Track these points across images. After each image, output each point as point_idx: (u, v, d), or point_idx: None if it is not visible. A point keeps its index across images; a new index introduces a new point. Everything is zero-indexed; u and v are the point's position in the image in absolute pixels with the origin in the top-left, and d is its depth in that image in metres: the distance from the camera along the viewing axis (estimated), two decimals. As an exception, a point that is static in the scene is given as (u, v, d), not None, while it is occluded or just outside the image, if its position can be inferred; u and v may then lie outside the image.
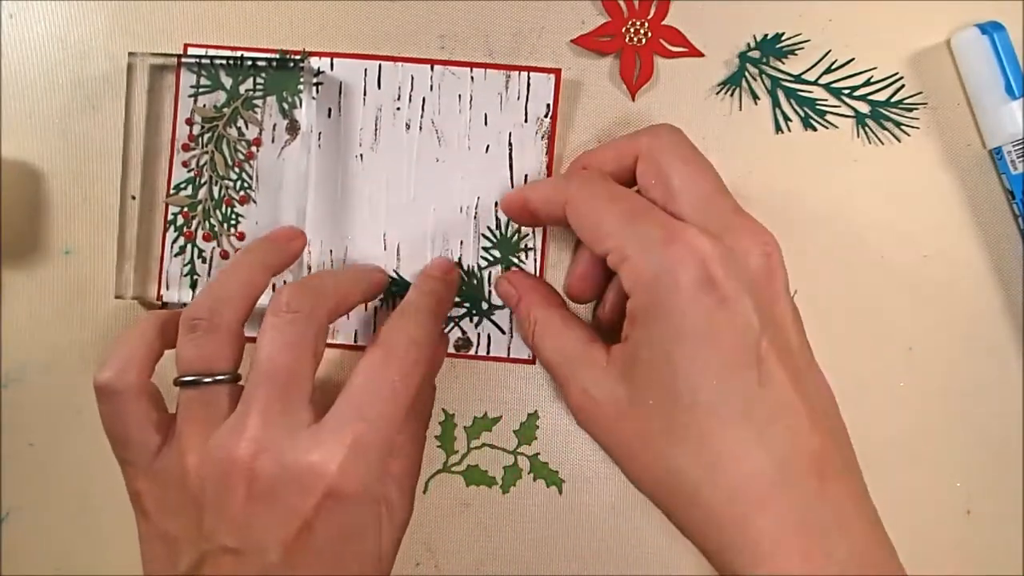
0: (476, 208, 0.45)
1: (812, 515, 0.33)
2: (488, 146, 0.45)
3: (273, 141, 0.45)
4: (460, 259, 0.45)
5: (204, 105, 0.45)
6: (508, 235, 0.45)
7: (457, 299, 0.45)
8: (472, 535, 0.46)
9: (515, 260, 0.45)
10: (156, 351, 0.39)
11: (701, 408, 0.33)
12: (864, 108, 0.45)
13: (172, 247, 0.45)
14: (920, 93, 0.45)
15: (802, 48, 0.45)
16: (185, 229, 0.45)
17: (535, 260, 0.45)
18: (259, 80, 0.45)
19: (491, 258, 0.45)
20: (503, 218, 0.45)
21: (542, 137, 0.44)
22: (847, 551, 0.32)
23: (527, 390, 0.46)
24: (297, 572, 0.35)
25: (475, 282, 0.45)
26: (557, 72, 0.44)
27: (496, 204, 0.45)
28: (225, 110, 0.45)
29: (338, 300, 0.39)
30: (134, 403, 0.38)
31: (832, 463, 0.34)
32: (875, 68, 0.45)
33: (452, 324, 0.45)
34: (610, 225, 0.36)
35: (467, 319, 0.45)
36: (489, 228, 0.45)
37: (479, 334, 0.45)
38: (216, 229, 0.45)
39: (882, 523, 0.35)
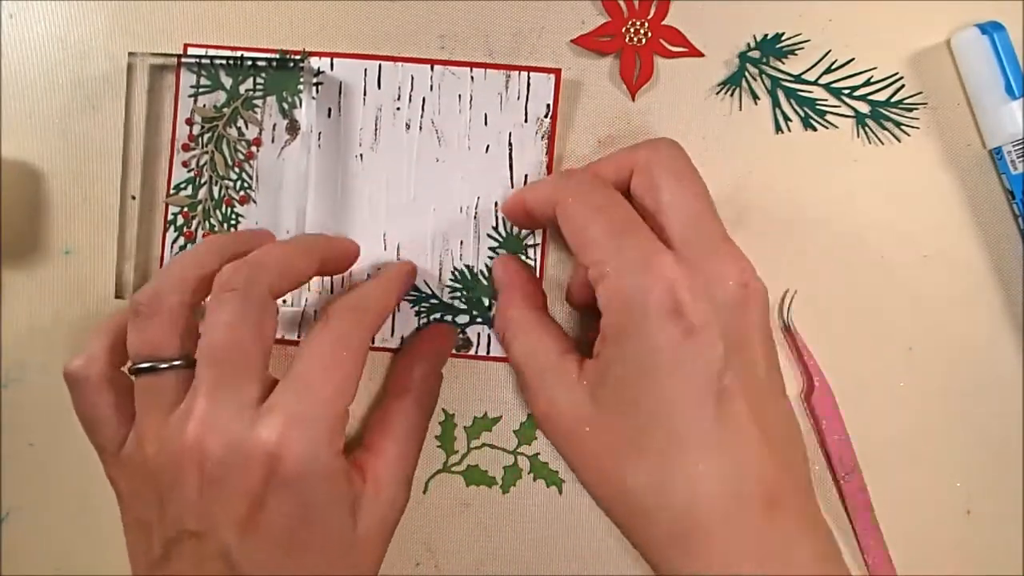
0: (476, 208, 0.45)
1: (760, 543, 0.33)
2: (488, 146, 0.45)
3: (273, 141, 0.45)
4: (460, 259, 0.45)
5: (204, 105, 0.45)
6: (514, 233, 0.45)
7: (465, 305, 0.45)
8: (472, 535, 0.46)
9: (522, 257, 0.45)
10: (124, 341, 0.38)
11: (661, 433, 0.34)
12: (864, 108, 0.45)
13: (172, 247, 0.45)
14: (920, 93, 0.45)
15: (802, 48, 0.45)
16: (185, 229, 0.45)
17: (535, 259, 0.45)
18: (259, 80, 0.45)
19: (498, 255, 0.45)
20: (503, 219, 0.45)
21: (542, 137, 0.44)
22: None
23: (527, 390, 0.46)
24: (255, 551, 0.34)
25: (484, 283, 0.45)
26: (557, 72, 0.44)
27: (496, 204, 0.45)
28: (225, 110, 0.45)
29: (281, 271, 0.37)
30: (98, 392, 0.38)
31: (784, 492, 0.34)
32: (875, 68, 0.45)
33: (459, 332, 0.45)
34: (595, 235, 0.36)
35: (471, 325, 0.45)
36: (494, 228, 0.45)
37: (479, 334, 0.45)
38: (216, 229, 0.45)
39: (837, 546, 0.36)
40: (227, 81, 0.45)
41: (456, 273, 0.45)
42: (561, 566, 0.45)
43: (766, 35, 0.45)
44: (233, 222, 0.45)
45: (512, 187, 0.45)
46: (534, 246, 0.45)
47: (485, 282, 0.45)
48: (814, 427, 0.45)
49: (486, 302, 0.45)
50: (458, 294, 0.45)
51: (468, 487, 0.46)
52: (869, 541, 0.44)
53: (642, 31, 0.45)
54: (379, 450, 0.40)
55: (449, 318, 0.45)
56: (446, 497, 0.46)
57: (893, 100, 0.45)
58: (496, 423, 0.46)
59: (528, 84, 0.45)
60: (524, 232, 0.45)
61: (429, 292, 0.45)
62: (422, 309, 0.45)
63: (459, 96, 0.45)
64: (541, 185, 0.41)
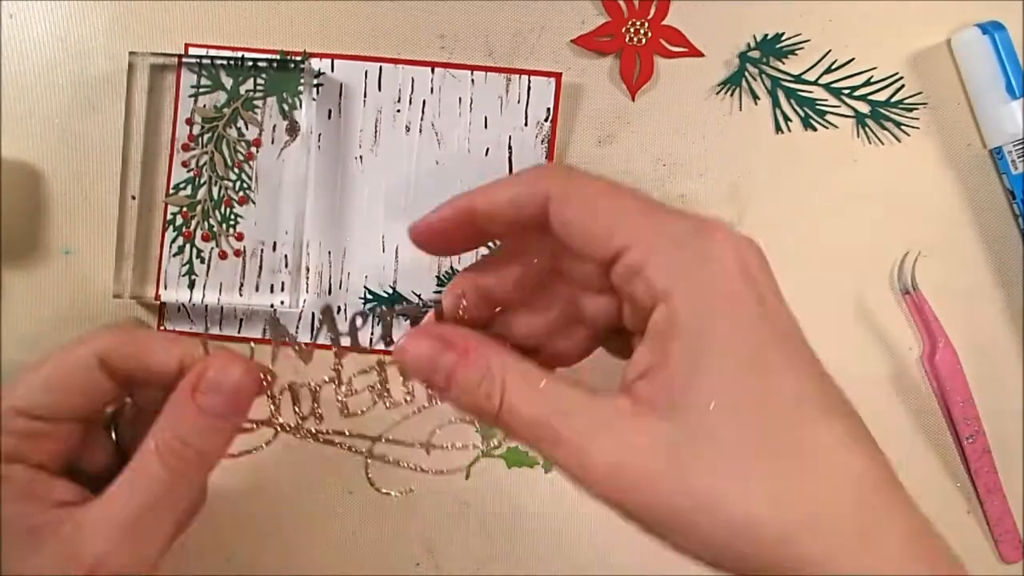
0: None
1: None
2: (488, 149, 0.45)
3: (273, 142, 0.45)
4: (458, 262, 0.45)
5: (204, 105, 0.45)
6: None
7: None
8: (472, 535, 0.46)
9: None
10: None
11: (781, 434, 0.27)
12: (864, 108, 0.45)
13: (171, 247, 0.45)
14: (920, 93, 0.45)
15: (802, 48, 0.45)
16: (184, 229, 0.45)
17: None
18: (259, 81, 0.45)
19: None
20: None
21: (542, 141, 0.44)
22: None
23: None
24: None
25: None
26: (557, 76, 0.44)
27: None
28: (225, 110, 0.45)
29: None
30: None
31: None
32: (875, 68, 0.45)
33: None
34: (627, 217, 0.29)
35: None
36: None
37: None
38: (215, 229, 0.45)
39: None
40: (227, 81, 0.45)
41: (446, 276, 0.45)
42: (562, 566, 0.46)
43: (766, 35, 0.45)
44: (232, 222, 0.45)
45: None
46: None
47: None
48: (936, 389, 0.45)
49: None
50: None
51: (510, 469, 0.46)
52: (993, 503, 0.45)
53: (642, 31, 0.45)
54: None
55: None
56: (489, 481, 0.46)
57: (893, 100, 0.45)
58: None
59: (528, 88, 0.44)
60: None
61: (421, 302, 0.45)
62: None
63: (459, 99, 0.45)
64: (501, 186, 0.32)
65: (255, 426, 0.36)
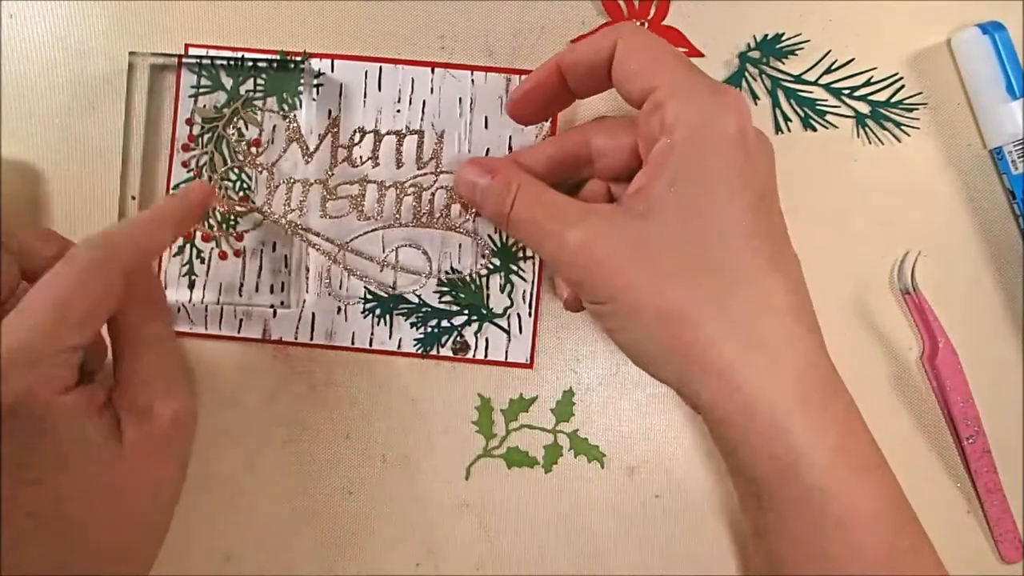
0: (474, 211, 0.45)
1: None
2: (488, 149, 0.45)
3: (273, 142, 0.45)
4: (458, 262, 0.45)
5: (204, 105, 0.45)
6: (508, 243, 0.45)
7: (457, 306, 0.45)
8: (472, 535, 0.46)
9: (515, 268, 0.45)
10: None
11: (723, 254, 0.35)
12: (864, 108, 0.45)
13: (171, 247, 0.45)
14: (920, 93, 0.45)
15: (802, 48, 0.45)
16: (185, 229, 0.45)
17: (534, 267, 0.45)
18: (259, 81, 0.45)
19: (491, 266, 0.45)
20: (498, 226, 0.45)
21: (542, 141, 0.44)
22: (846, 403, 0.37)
23: (528, 389, 0.46)
24: None
25: (474, 289, 0.45)
26: (557, 74, 0.44)
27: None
28: (225, 110, 0.45)
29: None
30: None
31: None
32: (875, 68, 0.45)
33: (455, 333, 0.45)
34: (667, 66, 0.36)
35: (467, 326, 0.45)
36: (489, 236, 0.45)
37: (477, 338, 0.45)
38: (215, 230, 0.45)
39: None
40: (227, 81, 0.45)
41: (447, 275, 0.45)
42: (562, 566, 0.46)
43: (766, 35, 0.45)
44: (232, 223, 0.45)
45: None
46: (528, 258, 0.45)
47: (474, 289, 0.45)
48: (936, 389, 0.45)
49: (483, 311, 0.45)
50: (449, 296, 0.45)
51: (510, 469, 0.46)
52: (993, 503, 0.45)
53: (642, 31, 0.45)
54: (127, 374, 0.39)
55: (445, 323, 0.45)
56: (489, 481, 0.46)
57: (893, 100, 0.45)
58: (532, 403, 0.46)
59: (528, 87, 0.44)
60: (517, 243, 0.45)
61: (420, 302, 0.45)
62: (416, 320, 0.45)
63: (459, 99, 0.45)
64: (584, 41, 0.39)
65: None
